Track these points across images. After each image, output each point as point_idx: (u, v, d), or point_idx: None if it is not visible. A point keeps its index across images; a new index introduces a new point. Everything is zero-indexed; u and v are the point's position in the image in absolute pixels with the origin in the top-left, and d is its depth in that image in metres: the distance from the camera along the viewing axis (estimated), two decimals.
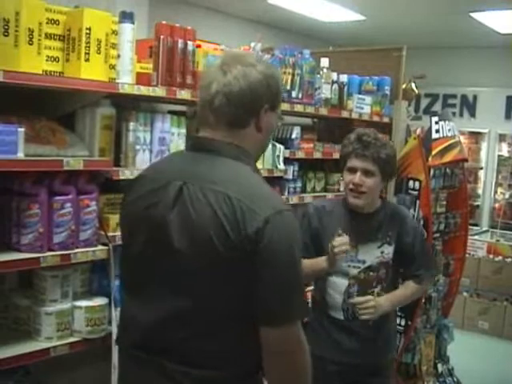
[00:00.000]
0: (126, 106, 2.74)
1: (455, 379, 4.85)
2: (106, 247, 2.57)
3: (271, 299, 1.71)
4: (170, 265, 1.76)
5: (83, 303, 2.55)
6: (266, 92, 1.84)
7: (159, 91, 2.70)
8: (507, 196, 10.15)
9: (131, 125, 2.68)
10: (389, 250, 2.91)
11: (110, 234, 2.59)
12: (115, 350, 2.60)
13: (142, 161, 2.72)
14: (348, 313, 2.89)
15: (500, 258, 7.45)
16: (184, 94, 2.80)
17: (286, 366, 1.77)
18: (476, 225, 9.26)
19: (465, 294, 7.19)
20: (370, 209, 2.91)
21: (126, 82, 2.58)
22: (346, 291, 2.89)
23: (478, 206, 10.20)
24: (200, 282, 1.74)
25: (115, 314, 2.59)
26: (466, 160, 4.74)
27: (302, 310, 1.79)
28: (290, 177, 3.56)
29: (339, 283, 2.91)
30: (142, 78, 2.70)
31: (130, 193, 1.95)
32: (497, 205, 10.19)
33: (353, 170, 2.83)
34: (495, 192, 10.25)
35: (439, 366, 4.74)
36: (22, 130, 2.25)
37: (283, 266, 1.70)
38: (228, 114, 1.81)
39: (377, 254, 2.90)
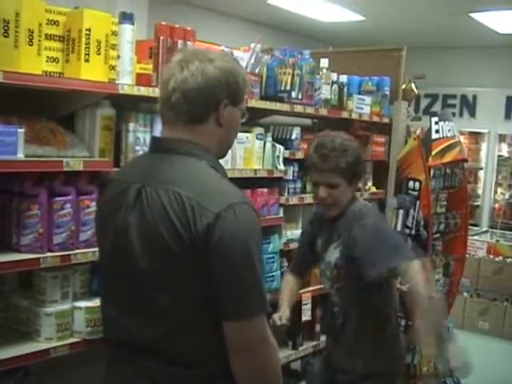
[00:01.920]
0: (126, 107, 2.73)
1: (455, 379, 4.85)
2: None
3: (227, 295, 1.71)
4: (134, 267, 1.78)
5: (83, 304, 2.54)
6: (224, 87, 1.84)
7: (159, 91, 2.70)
8: (507, 196, 10.15)
9: (131, 125, 2.68)
10: (339, 253, 2.82)
11: None
12: None
13: None
14: (327, 315, 3.02)
15: (500, 258, 7.45)
16: None
17: (249, 362, 1.77)
18: (476, 225, 9.26)
19: (465, 294, 7.19)
20: (337, 213, 2.84)
21: (126, 83, 2.58)
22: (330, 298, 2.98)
23: (477, 206, 10.20)
24: (162, 283, 1.76)
25: None
26: (466, 160, 4.75)
27: (259, 305, 1.77)
28: (290, 177, 3.56)
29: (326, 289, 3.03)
30: (141, 79, 2.70)
31: (101, 197, 2.02)
32: (497, 205, 10.19)
33: (316, 184, 2.83)
34: (495, 192, 10.25)
35: (439, 366, 4.74)
36: (21, 130, 2.25)
37: (237, 262, 1.70)
38: (184, 110, 1.82)
39: (335, 255, 2.83)
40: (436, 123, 4.37)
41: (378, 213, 3.05)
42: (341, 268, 2.81)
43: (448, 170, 4.59)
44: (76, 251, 2.48)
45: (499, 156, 10.19)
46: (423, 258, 2.77)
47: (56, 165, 2.38)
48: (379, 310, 2.86)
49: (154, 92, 2.68)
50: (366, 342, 2.83)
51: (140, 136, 2.71)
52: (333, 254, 2.84)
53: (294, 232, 3.63)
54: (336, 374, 2.92)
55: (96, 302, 2.57)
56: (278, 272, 3.48)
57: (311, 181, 2.88)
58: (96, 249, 2.52)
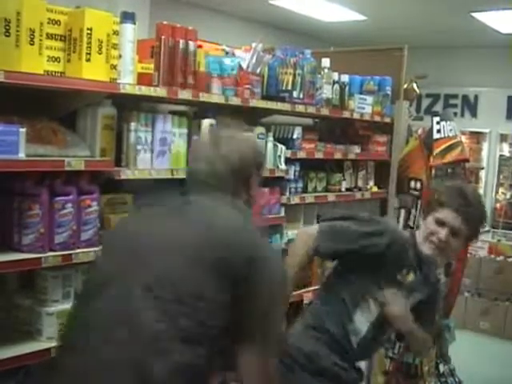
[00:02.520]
0: (128, 107, 2.73)
1: (457, 379, 4.85)
2: None
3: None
4: None
5: None
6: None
7: (160, 91, 2.70)
8: (508, 196, 10.14)
9: (132, 125, 2.68)
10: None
11: None
12: None
13: (143, 161, 2.72)
14: None
15: (501, 257, 7.45)
16: (185, 94, 2.80)
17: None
18: None
19: (466, 294, 7.19)
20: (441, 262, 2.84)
21: (128, 82, 2.58)
22: None
23: None
24: None
25: None
26: (468, 160, 4.73)
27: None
28: (292, 177, 3.55)
29: None
30: (143, 78, 2.70)
31: None
32: (498, 205, 10.18)
33: (441, 224, 2.59)
34: (496, 192, 10.23)
35: (441, 366, 4.73)
36: (23, 130, 2.25)
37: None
38: (215, 184, 1.98)
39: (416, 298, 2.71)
40: (437, 123, 4.36)
41: None
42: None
43: (449, 170, 4.57)
44: (77, 251, 2.48)
45: (501, 156, 10.17)
46: None
47: (57, 164, 2.38)
48: None
49: (156, 91, 2.69)
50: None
51: (141, 135, 2.71)
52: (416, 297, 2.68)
53: (295, 232, 3.62)
54: None
55: None
56: None
57: (434, 217, 2.61)
58: (97, 248, 2.53)
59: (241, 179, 2.02)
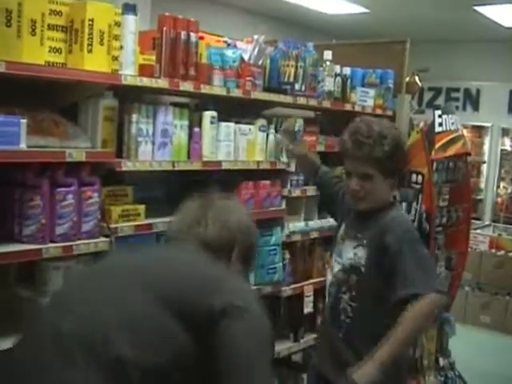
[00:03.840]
0: (129, 98, 2.73)
1: (456, 373, 4.85)
2: (107, 239, 2.57)
3: None
4: None
5: None
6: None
7: (162, 83, 2.70)
8: (510, 190, 10.14)
9: (134, 116, 2.68)
10: (362, 254, 2.55)
11: (112, 225, 2.59)
12: None
13: (145, 153, 2.72)
14: (326, 310, 2.78)
15: (502, 252, 7.45)
16: (187, 86, 2.79)
17: None
18: (478, 219, 9.25)
19: (467, 288, 7.19)
20: (368, 207, 2.60)
21: (129, 74, 2.57)
22: (328, 290, 2.74)
23: (480, 200, 10.18)
24: None
25: None
26: (469, 154, 4.73)
27: None
28: (293, 169, 3.55)
29: (328, 277, 2.80)
30: (144, 70, 2.69)
31: None
32: (499, 199, 10.18)
33: (348, 174, 2.59)
34: (498, 186, 10.23)
35: (440, 359, 4.74)
36: (24, 121, 2.25)
37: None
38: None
39: (350, 254, 2.60)
40: (439, 116, 4.35)
41: (412, 225, 2.85)
42: (359, 271, 2.56)
43: (451, 164, 4.56)
44: (78, 242, 2.48)
45: (502, 150, 10.17)
46: (441, 293, 2.54)
47: (58, 155, 2.38)
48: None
49: (157, 83, 2.68)
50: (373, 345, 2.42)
51: (143, 127, 2.71)
52: (349, 253, 2.60)
53: (296, 224, 3.63)
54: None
55: None
56: (280, 264, 3.48)
57: (344, 170, 2.66)
58: (98, 240, 2.53)
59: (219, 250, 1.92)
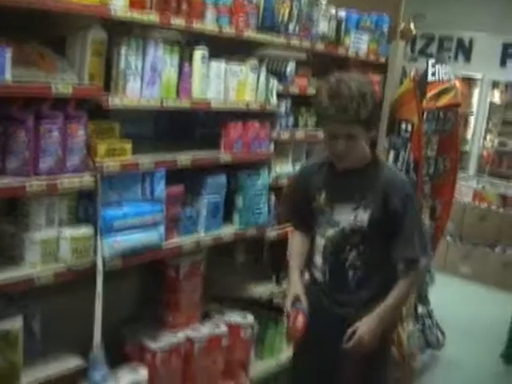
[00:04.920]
0: (119, 33, 2.64)
1: (434, 321, 4.93)
2: (93, 176, 2.53)
3: None
4: None
5: (69, 231, 2.51)
6: None
7: (153, 16, 2.61)
8: (496, 144, 10.14)
9: (123, 49, 2.60)
10: (362, 217, 2.59)
11: (98, 162, 2.54)
12: (100, 278, 2.60)
13: (133, 89, 2.66)
14: (325, 276, 2.73)
15: (485, 205, 7.49)
16: (178, 21, 2.72)
17: None
18: (463, 170, 9.26)
19: (448, 238, 7.25)
20: (355, 166, 2.61)
21: (119, 6, 2.48)
22: (324, 252, 2.72)
23: (465, 152, 10.18)
24: None
25: (100, 243, 2.58)
26: (460, 105, 4.70)
27: None
28: (283, 112, 3.50)
29: (319, 243, 2.75)
30: (135, 3, 2.60)
31: None
32: (485, 152, 10.18)
33: (332, 137, 2.54)
34: (484, 139, 10.22)
35: (419, 307, 4.80)
36: (9, 51, 2.17)
37: None
38: None
39: (350, 217, 2.61)
40: (432, 66, 4.31)
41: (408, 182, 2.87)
42: (362, 231, 2.60)
43: (441, 114, 4.54)
44: (63, 177, 2.43)
45: (491, 103, 10.12)
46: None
47: (44, 89, 2.31)
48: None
49: (148, 17, 2.60)
50: (378, 298, 2.62)
51: (131, 62, 2.63)
52: (347, 215, 2.61)
53: (283, 167, 3.60)
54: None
55: (82, 230, 2.55)
56: (266, 207, 3.48)
57: (325, 132, 2.58)
58: (83, 175, 2.48)
59: None
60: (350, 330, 2.57)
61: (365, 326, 2.56)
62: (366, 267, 2.65)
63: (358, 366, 2.61)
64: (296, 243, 2.92)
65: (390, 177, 2.63)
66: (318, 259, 2.75)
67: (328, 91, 2.48)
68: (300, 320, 2.63)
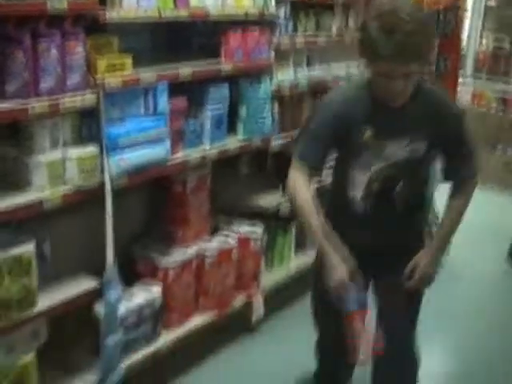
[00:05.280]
0: None
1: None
2: (95, 94, 2.48)
3: None
4: None
5: (74, 151, 2.48)
6: None
7: None
8: (491, 47, 9.99)
9: None
10: (419, 146, 2.39)
11: (99, 78, 2.48)
12: (109, 198, 2.58)
13: (130, 2, 2.56)
14: (368, 209, 2.50)
15: (484, 107, 7.46)
16: None
17: None
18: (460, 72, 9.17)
19: None
20: (402, 100, 2.34)
21: None
22: (367, 187, 2.45)
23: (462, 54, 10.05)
24: None
25: (107, 161, 2.54)
26: (459, 6, 4.66)
27: None
28: (282, 18, 3.43)
29: (359, 178, 2.45)
30: None
31: None
32: (481, 55, 10.04)
33: (388, 76, 2.20)
34: (480, 42, 10.07)
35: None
36: None
37: None
38: None
39: (404, 152, 2.38)
40: None
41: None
42: (417, 160, 2.42)
43: (441, 16, 4.47)
44: (64, 96, 2.37)
45: (486, 5, 9.91)
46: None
47: (40, 6, 2.23)
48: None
49: None
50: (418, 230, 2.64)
51: None
52: (401, 151, 2.38)
53: (285, 74, 3.56)
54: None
55: (87, 149, 2.51)
56: (269, 116, 3.46)
57: (376, 70, 2.22)
58: (85, 92, 2.43)
59: None
60: (409, 265, 2.46)
61: (426, 260, 2.47)
62: (412, 195, 2.50)
63: (406, 298, 2.52)
64: (306, 195, 2.43)
65: (439, 101, 2.41)
66: (358, 193, 2.49)
67: (382, 25, 2.11)
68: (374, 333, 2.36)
